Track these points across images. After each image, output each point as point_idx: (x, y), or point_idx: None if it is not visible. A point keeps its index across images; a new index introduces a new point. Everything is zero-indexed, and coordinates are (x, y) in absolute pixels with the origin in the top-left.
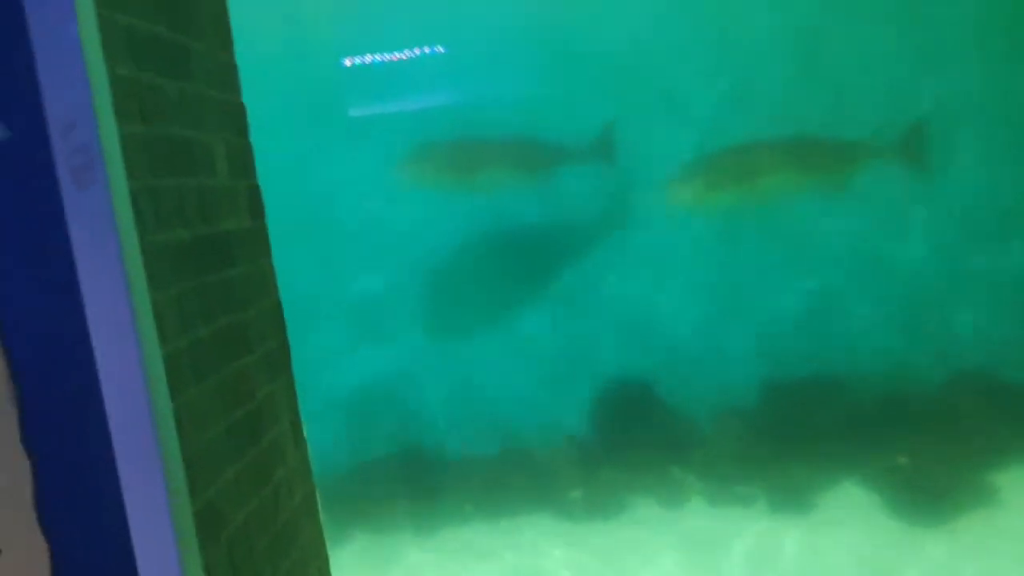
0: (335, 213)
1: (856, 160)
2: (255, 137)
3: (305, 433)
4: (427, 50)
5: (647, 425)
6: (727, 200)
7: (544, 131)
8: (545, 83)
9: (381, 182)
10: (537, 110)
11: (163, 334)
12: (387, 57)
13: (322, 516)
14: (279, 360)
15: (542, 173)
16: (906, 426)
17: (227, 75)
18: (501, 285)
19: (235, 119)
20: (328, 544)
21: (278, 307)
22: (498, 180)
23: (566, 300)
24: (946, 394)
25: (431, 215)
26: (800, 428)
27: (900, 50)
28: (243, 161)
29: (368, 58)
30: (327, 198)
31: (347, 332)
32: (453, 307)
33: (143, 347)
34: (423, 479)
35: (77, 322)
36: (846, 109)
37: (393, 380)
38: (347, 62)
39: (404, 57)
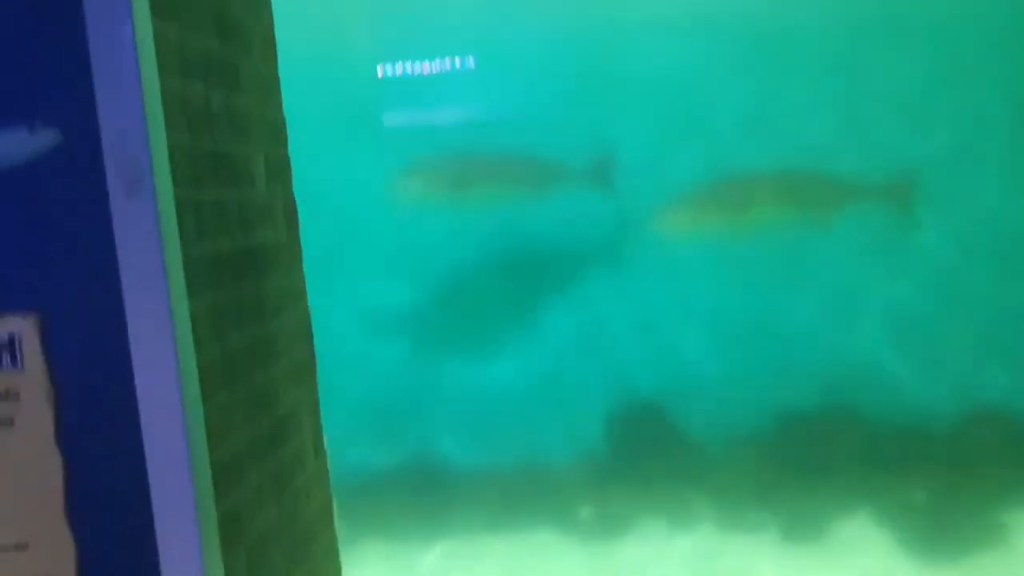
0: (338, 224)
1: (850, 198)
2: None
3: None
4: (432, 65)
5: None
6: (720, 229)
7: (545, 150)
8: (550, 103)
9: (380, 194)
10: (541, 129)
11: (199, 342)
12: (392, 70)
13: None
14: (305, 369)
15: (540, 191)
16: (924, 462)
17: (271, 89)
18: (504, 300)
19: (276, 132)
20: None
21: (307, 317)
22: (497, 196)
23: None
24: (964, 431)
25: (430, 229)
26: (816, 458)
27: (908, 91)
28: (281, 173)
29: (379, 69)
30: (328, 207)
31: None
32: (455, 321)
33: (179, 354)
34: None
35: (117, 327)
36: (847, 147)
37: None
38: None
39: (411, 71)
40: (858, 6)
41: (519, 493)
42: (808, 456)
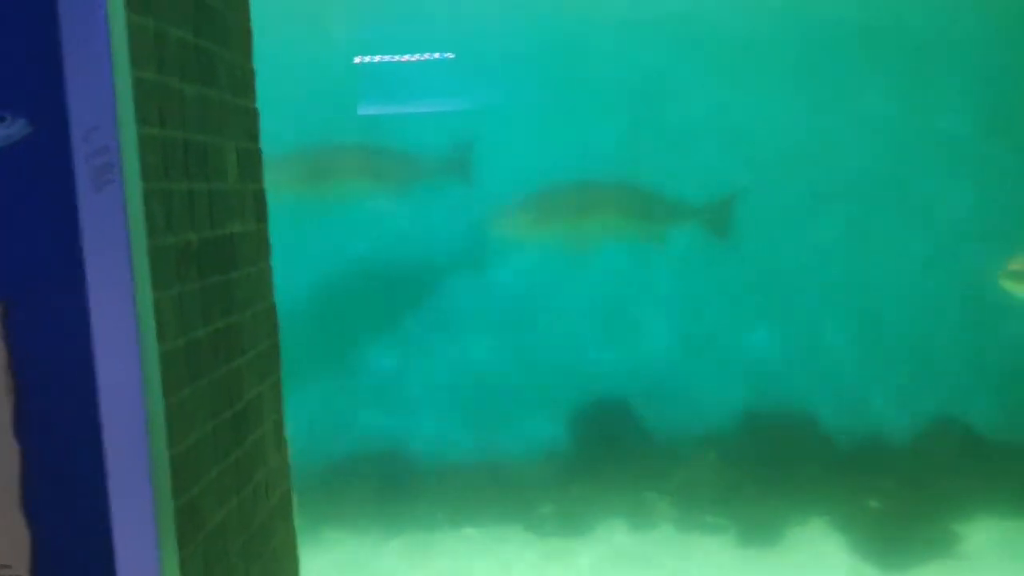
0: None
1: (675, 217)
2: None
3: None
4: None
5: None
6: (553, 234)
7: (403, 145)
8: (411, 99)
9: None
10: (398, 124)
11: (162, 334)
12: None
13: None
14: (269, 362)
15: (398, 186)
16: (879, 470)
17: (246, 81)
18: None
19: (249, 124)
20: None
21: (273, 309)
22: (356, 191)
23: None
24: (920, 440)
25: (287, 223)
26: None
27: (737, 117)
28: (252, 166)
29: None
30: None
31: None
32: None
33: (142, 346)
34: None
35: (80, 319)
36: (679, 167)
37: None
38: None
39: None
40: (690, 42)
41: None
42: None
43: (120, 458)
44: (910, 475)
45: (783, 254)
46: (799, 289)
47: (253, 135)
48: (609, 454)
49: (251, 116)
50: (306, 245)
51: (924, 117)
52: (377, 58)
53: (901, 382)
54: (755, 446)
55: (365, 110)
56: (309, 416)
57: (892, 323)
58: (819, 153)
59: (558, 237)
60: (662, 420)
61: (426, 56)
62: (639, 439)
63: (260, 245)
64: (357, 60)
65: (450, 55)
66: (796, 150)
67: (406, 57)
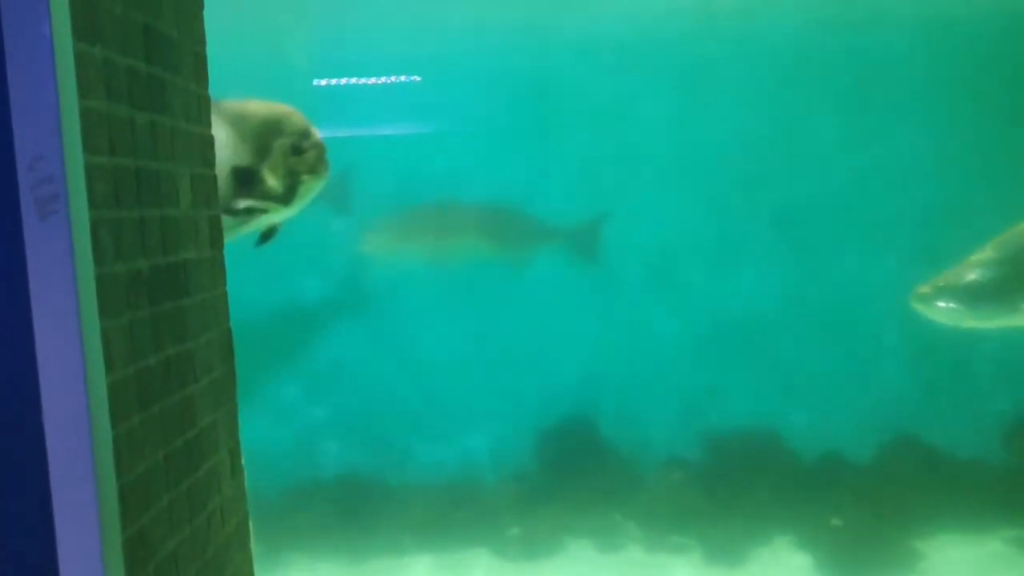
0: None
1: (536, 239)
2: None
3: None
4: None
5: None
6: (413, 255)
7: None
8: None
9: None
10: None
11: (110, 363)
12: None
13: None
14: (224, 388)
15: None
16: (841, 488)
17: (200, 107)
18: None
19: (203, 150)
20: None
21: (228, 335)
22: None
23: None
24: (880, 459)
25: None
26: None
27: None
28: (207, 192)
29: None
30: None
31: None
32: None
33: (88, 375)
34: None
35: (25, 348)
36: (547, 191)
37: None
38: None
39: None
40: (560, 65)
41: None
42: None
43: (66, 488)
44: (871, 493)
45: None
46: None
47: (208, 161)
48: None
49: (206, 142)
50: None
51: (807, 134)
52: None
53: (856, 402)
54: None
55: None
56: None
57: (831, 343)
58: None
59: (422, 256)
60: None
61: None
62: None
63: (215, 271)
64: None
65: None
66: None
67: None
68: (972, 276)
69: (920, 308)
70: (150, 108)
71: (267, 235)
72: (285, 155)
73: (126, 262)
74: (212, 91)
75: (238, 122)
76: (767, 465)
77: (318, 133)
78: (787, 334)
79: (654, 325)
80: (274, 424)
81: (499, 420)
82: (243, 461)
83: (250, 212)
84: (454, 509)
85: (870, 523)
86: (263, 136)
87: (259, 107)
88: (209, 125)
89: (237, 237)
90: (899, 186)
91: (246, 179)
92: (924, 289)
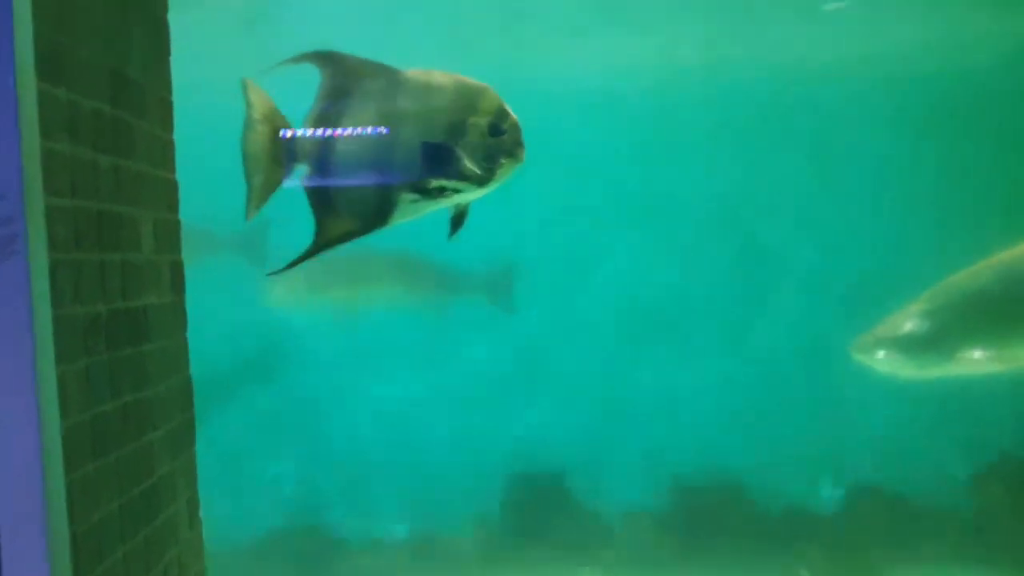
0: None
1: (450, 287)
2: None
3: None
4: None
5: None
6: (329, 302)
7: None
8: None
9: None
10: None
11: (65, 408)
12: None
13: None
14: (183, 437)
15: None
16: (808, 537)
17: (165, 152)
18: None
19: (167, 195)
20: None
21: (188, 383)
22: None
23: None
24: (846, 507)
25: None
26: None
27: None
28: (170, 236)
29: None
30: None
31: None
32: None
33: (42, 422)
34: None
35: None
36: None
37: None
38: None
39: None
40: None
41: None
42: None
43: (16, 536)
44: (838, 542)
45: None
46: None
47: (172, 206)
48: None
49: (170, 187)
50: None
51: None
52: None
53: (810, 450)
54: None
55: None
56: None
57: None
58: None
59: (335, 306)
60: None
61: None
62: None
63: (176, 317)
64: None
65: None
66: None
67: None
68: (909, 326)
69: (861, 358)
70: (114, 151)
71: (457, 221)
72: (483, 135)
73: (85, 305)
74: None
75: (425, 94)
76: (733, 515)
77: (514, 114)
78: (750, 385)
79: (620, 376)
80: (223, 477)
81: (462, 472)
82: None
83: (442, 192)
84: (417, 563)
85: (838, 573)
86: (456, 112)
87: (448, 80)
88: (173, 170)
89: (423, 215)
90: (859, 233)
91: (439, 157)
92: (864, 339)
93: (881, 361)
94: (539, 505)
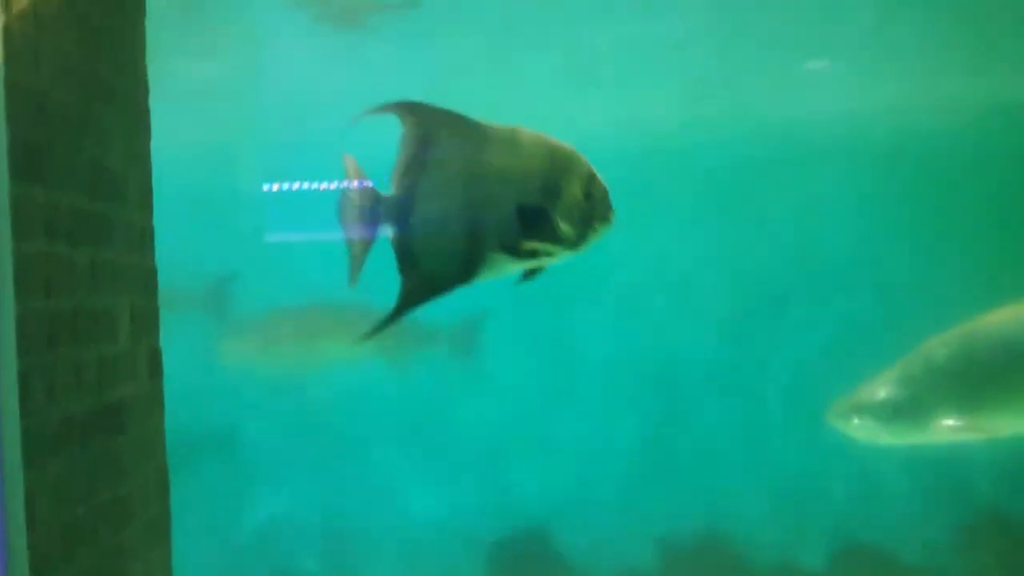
0: None
1: (414, 340)
2: None
3: None
4: None
5: None
6: (282, 361)
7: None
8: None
9: None
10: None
11: (33, 519)
12: None
13: None
14: (159, 527)
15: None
16: None
17: (143, 238)
18: None
19: (145, 282)
20: None
21: (164, 470)
22: None
23: None
24: (833, 567)
25: None
26: None
27: None
28: (147, 323)
29: None
30: None
31: None
32: None
33: (9, 533)
34: None
35: None
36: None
37: None
38: None
39: None
40: None
41: None
42: None
43: None
44: None
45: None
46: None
47: (150, 292)
48: None
49: (148, 273)
50: None
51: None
52: None
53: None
54: None
55: None
56: None
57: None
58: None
59: (290, 361)
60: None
61: None
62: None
63: (152, 403)
64: None
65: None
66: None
67: None
68: (884, 393)
69: (837, 425)
70: (91, 244)
71: (531, 273)
72: (577, 199)
73: (58, 406)
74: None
75: (515, 152)
76: (722, 573)
77: (601, 177)
78: (738, 441)
79: (605, 433)
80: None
81: (448, 534)
82: None
83: (534, 253)
84: None
85: None
86: (552, 173)
87: (536, 139)
88: (152, 255)
89: (507, 274)
90: (839, 293)
91: (535, 219)
92: (840, 406)
93: (856, 428)
94: (525, 568)
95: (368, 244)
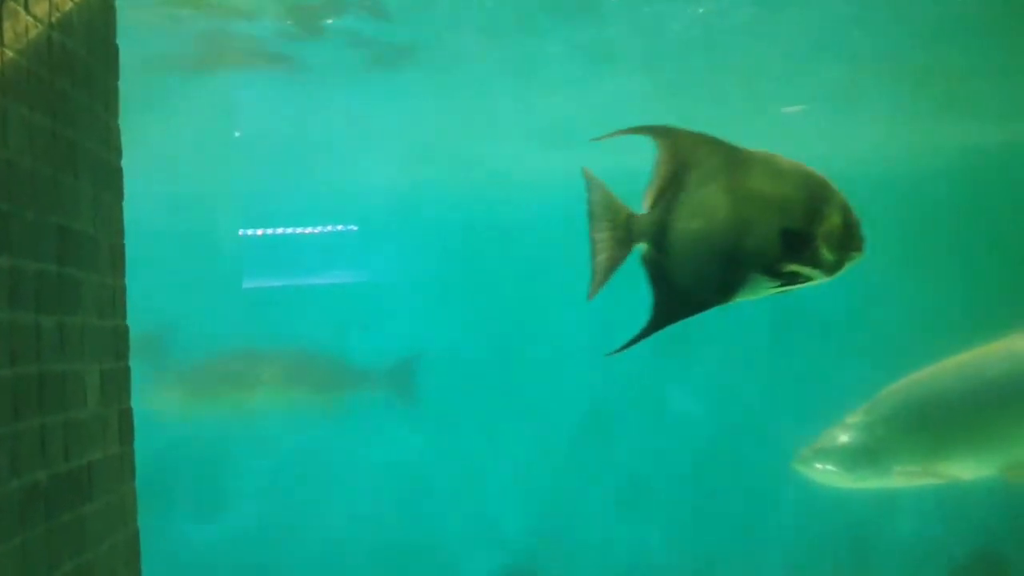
0: None
1: (349, 383)
2: None
3: None
4: None
5: None
6: (214, 408)
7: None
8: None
9: None
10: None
11: None
12: None
13: None
14: None
15: None
16: None
17: (114, 300)
18: None
19: (116, 343)
20: None
21: (135, 537)
22: None
23: None
24: None
25: None
26: None
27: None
28: (118, 385)
29: None
30: None
31: None
32: None
33: None
34: None
35: None
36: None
37: None
38: None
39: None
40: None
41: None
42: None
43: None
44: None
45: None
46: None
47: (120, 354)
48: None
49: (119, 335)
50: None
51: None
52: None
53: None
54: None
55: None
56: None
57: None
58: None
59: (222, 409)
60: None
61: None
62: None
63: (123, 468)
64: None
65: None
66: None
67: None
68: (845, 439)
69: (802, 470)
70: (59, 310)
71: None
72: (837, 226)
73: (22, 477)
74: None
75: (777, 177)
76: None
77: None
78: (719, 484)
79: (588, 475)
80: None
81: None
82: None
83: (794, 277)
84: None
85: None
86: (813, 199)
87: (796, 166)
88: (124, 316)
89: (760, 296)
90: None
91: (799, 243)
92: (805, 452)
93: (820, 473)
94: None
95: (617, 261)
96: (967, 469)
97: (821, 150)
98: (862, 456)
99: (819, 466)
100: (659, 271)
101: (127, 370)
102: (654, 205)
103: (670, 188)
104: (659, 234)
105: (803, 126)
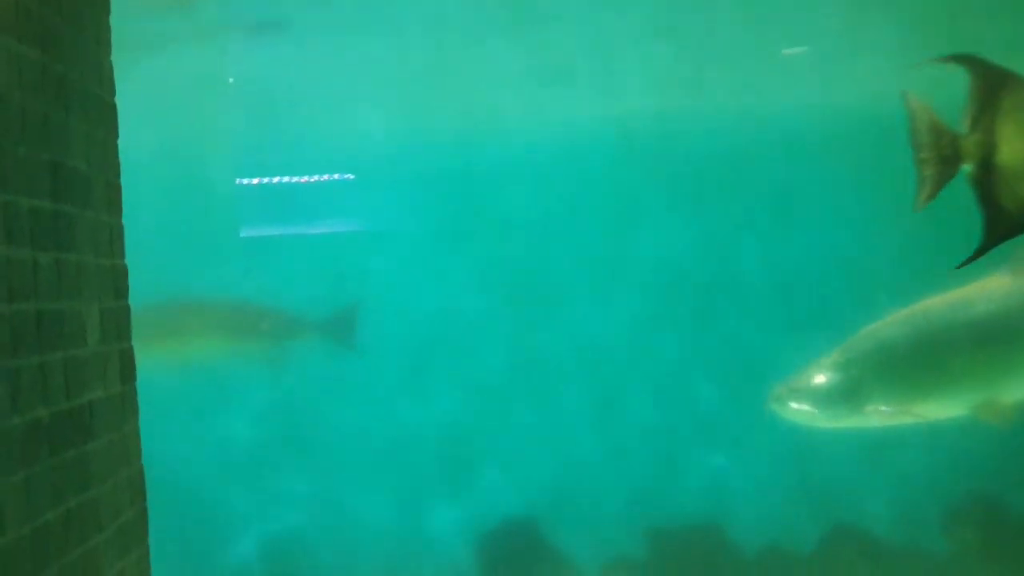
0: None
1: (289, 332)
2: None
3: None
4: None
5: None
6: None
7: None
8: None
9: None
10: None
11: (3, 524)
12: None
13: None
14: (134, 533)
15: None
16: None
17: (111, 238)
18: None
19: (115, 282)
20: None
21: (139, 475)
22: None
23: None
24: (821, 549)
25: None
26: None
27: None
28: (117, 324)
29: None
30: None
31: None
32: None
33: None
34: None
35: None
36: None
37: None
38: None
39: None
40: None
41: None
42: None
43: None
44: None
45: None
46: None
47: (120, 292)
48: None
49: (117, 274)
50: None
51: None
52: None
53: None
54: None
55: None
56: None
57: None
58: None
59: (159, 359)
60: None
61: None
62: None
63: (125, 408)
64: None
65: None
66: None
67: None
68: (820, 379)
69: (776, 409)
70: (55, 247)
71: None
72: None
73: (23, 414)
74: None
75: None
76: (711, 558)
77: None
78: (721, 428)
79: (594, 423)
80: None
81: (437, 525)
82: None
83: None
84: None
85: None
86: None
87: None
88: (122, 255)
89: None
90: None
91: None
92: (778, 390)
93: (794, 412)
94: (515, 560)
95: (946, 177)
96: (942, 408)
97: (822, 95)
98: (837, 395)
99: (793, 404)
100: (987, 191)
101: (127, 309)
102: (972, 128)
103: (989, 112)
104: (986, 154)
105: (804, 69)
